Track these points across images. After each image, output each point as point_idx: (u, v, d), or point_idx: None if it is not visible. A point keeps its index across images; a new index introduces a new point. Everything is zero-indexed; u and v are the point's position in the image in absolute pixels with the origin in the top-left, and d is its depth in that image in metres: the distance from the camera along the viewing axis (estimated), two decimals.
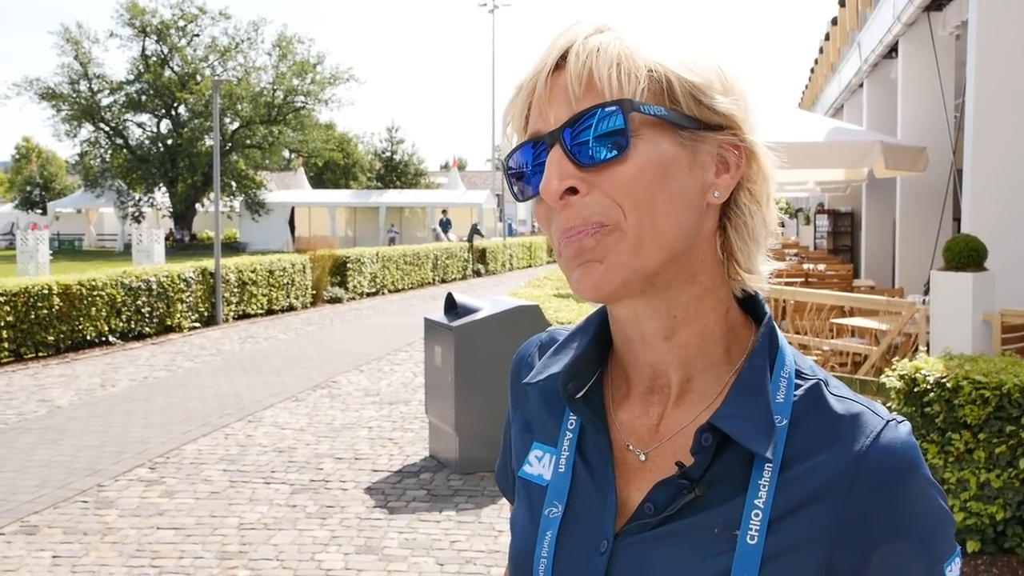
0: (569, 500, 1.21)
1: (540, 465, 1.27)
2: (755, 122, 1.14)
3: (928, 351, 8.31)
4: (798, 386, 1.15)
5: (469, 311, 8.66)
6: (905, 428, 1.11)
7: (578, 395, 1.22)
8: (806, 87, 41.13)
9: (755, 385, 1.13)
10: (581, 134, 1.06)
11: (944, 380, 6.15)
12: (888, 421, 1.11)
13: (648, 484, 1.15)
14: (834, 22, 27.74)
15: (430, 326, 9.03)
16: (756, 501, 1.08)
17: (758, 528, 1.07)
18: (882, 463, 1.08)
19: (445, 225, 47.40)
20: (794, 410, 1.13)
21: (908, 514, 1.08)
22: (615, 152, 1.05)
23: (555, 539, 1.19)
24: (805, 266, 18.17)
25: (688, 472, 1.11)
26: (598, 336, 1.25)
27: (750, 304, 1.21)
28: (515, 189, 1.16)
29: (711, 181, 1.11)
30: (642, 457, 1.18)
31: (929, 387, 6.20)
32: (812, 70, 37.54)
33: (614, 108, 1.05)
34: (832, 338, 10.69)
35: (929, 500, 1.10)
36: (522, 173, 1.14)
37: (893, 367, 6.62)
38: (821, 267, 18.08)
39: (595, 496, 1.19)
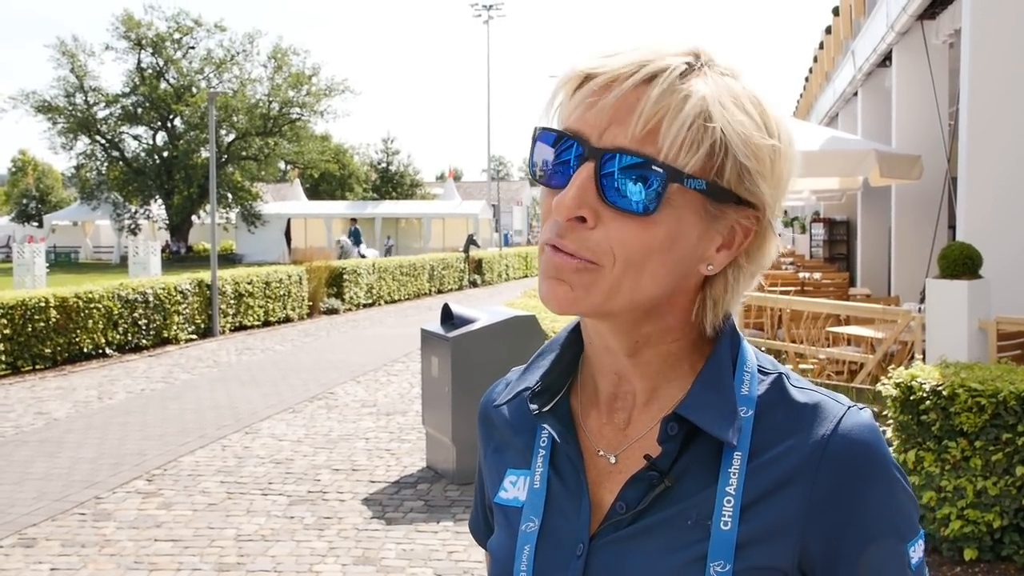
0: (545, 513, 1.23)
1: (515, 489, 1.29)
2: (779, 207, 1.16)
3: (924, 359, 8.33)
4: (761, 380, 1.19)
5: (465, 322, 8.67)
6: (866, 413, 1.15)
7: (546, 408, 1.23)
8: (800, 95, 41.21)
9: (718, 379, 1.16)
10: (618, 172, 1.06)
11: (940, 388, 6.16)
12: (849, 407, 1.15)
13: (620, 485, 1.17)
14: (828, 31, 27.79)
15: (427, 337, 9.04)
16: (727, 488, 1.11)
17: (731, 514, 1.10)
18: (846, 447, 1.11)
19: (355, 235, 40.28)
20: (758, 402, 1.16)
21: (873, 496, 1.11)
22: (639, 209, 1.06)
23: (533, 551, 1.21)
24: (801, 275, 18.17)
25: (656, 463, 1.14)
26: (568, 345, 1.27)
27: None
28: (532, 160, 1.15)
29: (710, 254, 1.13)
30: (612, 460, 1.20)
31: (925, 395, 6.22)
32: (806, 79, 37.61)
33: (661, 172, 1.05)
34: (828, 346, 10.70)
35: (893, 482, 1.13)
36: (540, 155, 1.14)
37: (889, 375, 6.63)
38: (817, 276, 18.09)
39: (570, 505, 1.21)
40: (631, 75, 1.07)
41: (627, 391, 1.21)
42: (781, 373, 1.20)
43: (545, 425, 1.24)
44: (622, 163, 1.05)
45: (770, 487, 1.11)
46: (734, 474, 1.11)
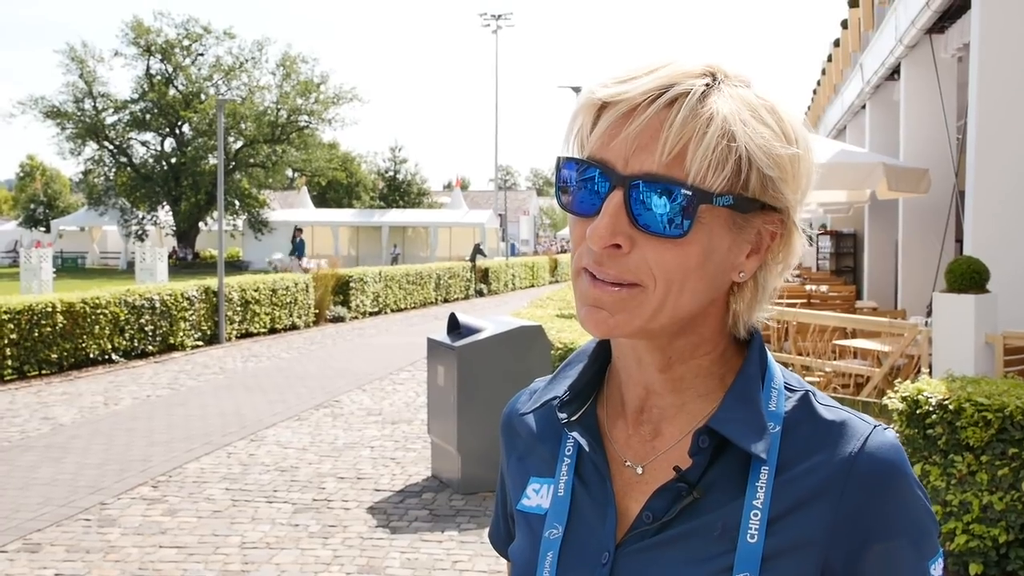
0: (569, 521, 1.24)
1: (538, 497, 1.30)
2: (801, 209, 1.18)
3: (931, 373, 8.32)
4: (788, 397, 1.21)
5: (472, 331, 8.67)
6: (891, 433, 1.17)
7: (574, 418, 1.25)
8: (808, 108, 41.17)
9: (748, 393, 1.18)
10: (649, 198, 1.07)
11: (946, 402, 6.16)
12: (875, 427, 1.17)
13: (646, 495, 1.19)
14: (836, 44, 27.79)
15: (433, 346, 9.05)
16: (755, 502, 1.13)
17: (758, 527, 1.12)
18: (872, 465, 1.13)
19: (299, 247, 35.35)
20: (786, 418, 1.18)
21: (897, 514, 1.13)
22: (672, 232, 1.08)
23: (556, 558, 1.22)
24: (807, 287, 18.16)
25: (686, 475, 1.15)
26: (596, 357, 1.30)
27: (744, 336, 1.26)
28: (559, 194, 1.17)
29: (741, 262, 1.15)
30: (639, 471, 1.22)
31: (931, 409, 6.21)
32: (815, 91, 37.60)
33: (691, 194, 1.07)
34: (834, 359, 10.68)
35: (916, 501, 1.15)
36: (567, 184, 1.15)
37: (895, 389, 6.63)
38: (824, 288, 18.08)
39: (595, 513, 1.22)
40: (652, 101, 1.08)
41: (655, 404, 1.23)
42: (808, 391, 1.22)
43: (573, 434, 1.26)
44: (652, 189, 1.07)
45: (797, 502, 1.13)
46: (761, 488, 1.13)
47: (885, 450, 1.14)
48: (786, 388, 1.22)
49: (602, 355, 1.30)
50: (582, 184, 1.13)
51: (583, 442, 1.24)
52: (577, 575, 1.20)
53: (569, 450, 1.28)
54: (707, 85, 1.09)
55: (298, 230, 37.83)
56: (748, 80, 1.13)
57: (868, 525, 1.12)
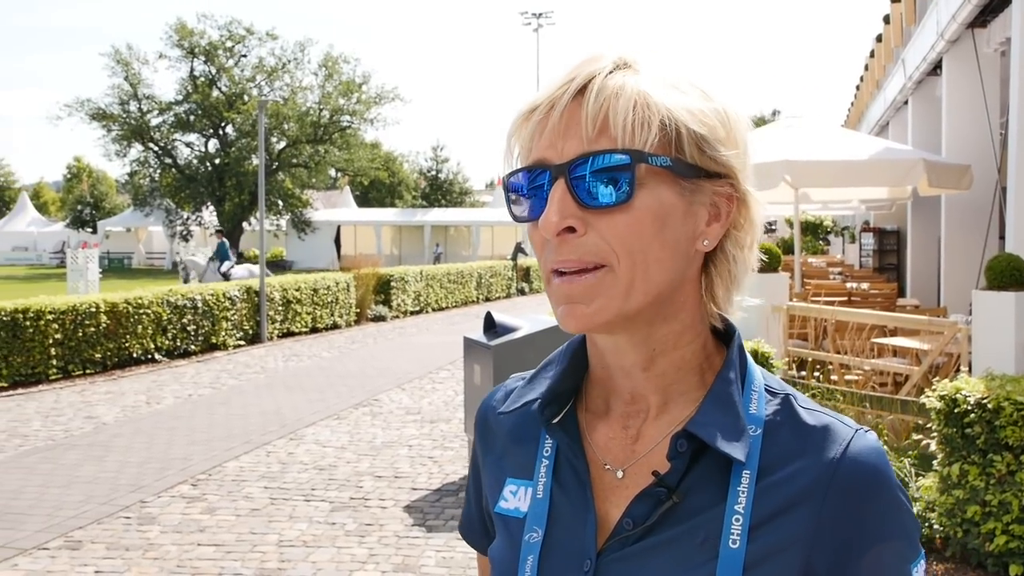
0: (549, 524, 1.22)
1: (516, 499, 1.28)
2: (749, 172, 1.18)
3: (970, 371, 8.24)
4: (769, 400, 1.20)
5: (508, 330, 8.67)
6: (873, 436, 1.16)
7: (554, 420, 1.24)
8: (852, 104, 40.89)
9: (727, 396, 1.17)
10: (588, 175, 1.09)
11: (985, 401, 6.10)
12: (857, 430, 1.16)
13: (627, 500, 1.18)
14: (879, 39, 27.57)
15: (469, 345, 9.06)
16: (736, 507, 1.12)
17: (739, 532, 1.10)
18: (854, 470, 1.12)
19: (221, 251, 27.84)
20: (767, 422, 1.17)
21: (879, 518, 1.12)
22: (618, 199, 1.09)
23: (537, 563, 1.21)
24: (848, 285, 18.05)
25: (665, 480, 1.14)
26: (574, 361, 1.29)
27: (721, 329, 1.26)
28: (511, 208, 1.19)
29: (701, 230, 1.15)
30: (619, 475, 1.21)
31: (970, 408, 6.15)
32: (858, 87, 37.31)
33: (624, 156, 1.08)
34: (873, 358, 10.60)
35: (899, 504, 1.14)
36: (519, 194, 1.17)
37: (933, 388, 6.57)
38: (864, 286, 17.96)
39: (575, 518, 1.21)
40: (565, 91, 1.11)
41: (640, 408, 1.22)
42: (789, 394, 1.21)
43: (553, 436, 1.25)
44: (587, 166, 1.09)
45: (779, 507, 1.12)
46: (743, 492, 1.12)
47: (867, 454, 1.13)
48: (767, 391, 1.21)
49: (581, 357, 1.29)
50: (533, 192, 1.14)
51: (563, 445, 1.24)
52: None
53: (548, 452, 1.27)
54: (616, 67, 1.12)
55: (219, 231, 31.85)
56: (668, 67, 1.15)
57: (851, 530, 1.11)
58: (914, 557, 1.15)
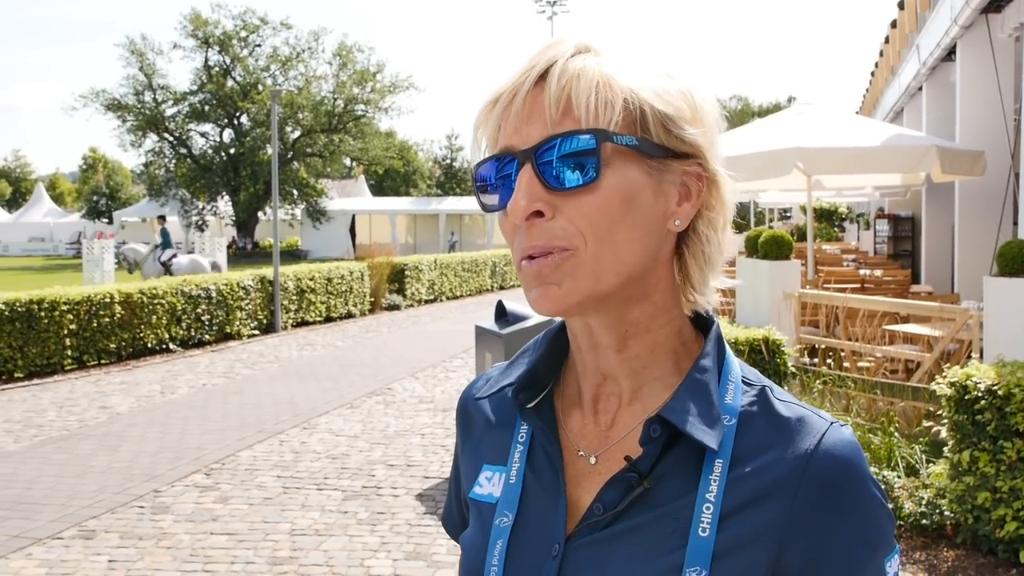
0: (520, 510, 1.23)
1: (490, 485, 1.29)
2: (719, 151, 1.18)
3: (982, 358, 8.22)
4: (745, 391, 1.20)
5: (519, 319, 8.68)
6: (848, 430, 1.16)
7: (529, 405, 1.25)
8: (867, 90, 40.69)
9: (703, 386, 1.17)
10: (554, 158, 1.09)
11: (995, 387, 6.08)
12: (832, 423, 1.15)
13: (599, 486, 1.18)
14: (893, 25, 27.43)
15: (481, 333, 9.07)
16: (707, 495, 1.12)
17: (709, 521, 1.10)
18: (827, 463, 1.12)
19: (165, 241, 27.16)
20: (742, 412, 1.17)
21: (853, 512, 1.12)
22: (585, 180, 1.09)
23: (506, 547, 1.21)
24: (862, 271, 17.99)
25: (636, 464, 1.14)
26: (552, 347, 1.29)
27: (699, 318, 1.25)
28: (481, 198, 1.19)
29: (672, 210, 1.15)
30: (592, 460, 1.21)
31: (980, 395, 6.14)
32: (872, 73, 37.12)
33: (589, 137, 1.08)
34: (885, 345, 10.58)
35: (872, 498, 1.13)
36: (487, 184, 1.17)
37: (944, 374, 6.55)
38: (878, 273, 17.90)
39: (546, 503, 1.21)
40: (527, 77, 1.12)
41: (612, 392, 1.22)
42: (765, 386, 1.21)
43: (527, 421, 1.26)
44: (553, 149, 1.09)
45: (750, 497, 1.11)
46: (714, 481, 1.12)
47: (841, 447, 1.13)
48: (744, 382, 1.21)
49: (559, 344, 1.29)
50: (501, 180, 1.15)
51: (536, 429, 1.24)
52: (527, 566, 1.19)
53: (522, 437, 1.27)
54: (578, 51, 1.13)
55: (160, 218, 29.34)
56: (631, 50, 1.15)
57: (823, 523, 1.10)
58: (888, 552, 1.15)
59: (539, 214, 1.10)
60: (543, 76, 1.11)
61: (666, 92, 1.12)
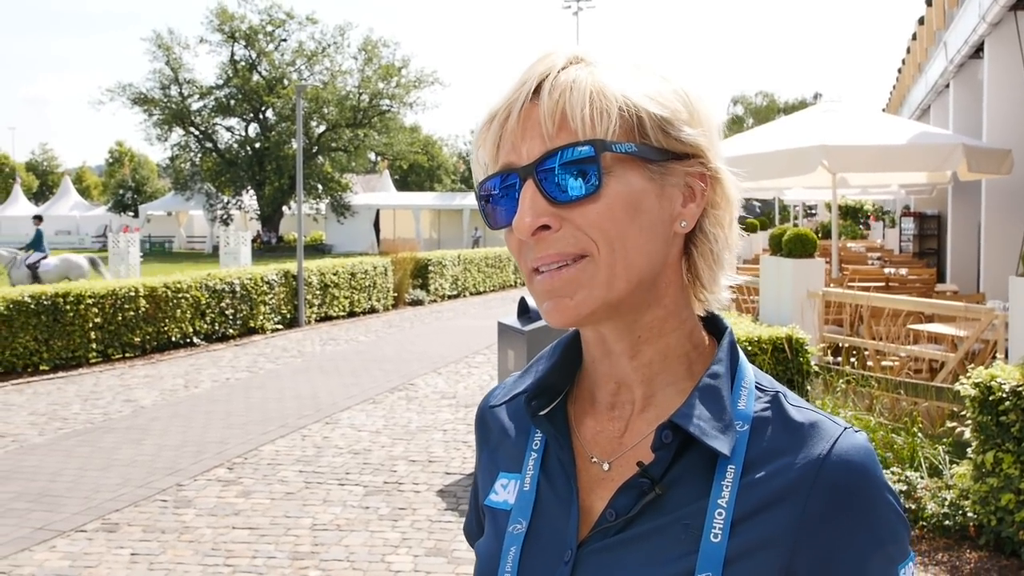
0: (533, 516, 1.23)
1: (505, 492, 1.29)
2: (720, 149, 1.18)
3: (1007, 358, 8.16)
4: (758, 397, 1.19)
5: (541, 316, 8.68)
6: (862, 436, 1.15)
7: (542, 412, 1.25)
8: (893, 88, 40.50)
9: (715, 391, 1.17)
10: (554, 171, 1.10)
11: (1020, 388, 6.04)
12: (845, 428, 1.15)
13: (611, 492, 1.18)
14: (921, 22, 27.29)
15: (503, 330, 9.08)
16: (719, 501, 1.11)
17: (722, 527, 1.10)
18: (841, 469, 1.11)
19: (37, 240, 24.25)
20: (755, 418, 1.17)
21: (865, 518, 1.10)
22: (588, 190, 1.09)
23: (519, 553, 1.22)
24: (886, 270, 17.90)
25: (649, 470, 1.14)
26: (566, 355, 1.29)
27: (712, 323, 1.26)
28: (486, 217, 1.20)
29: (678, 211, 1.15)
30: (606, 467, 1.21)
31: (1005, 395, 6.10)
32: (899, 70, 36.94)
33: (587, 148, 1.09)
34: (909, 344, 10.52)
35: (886, 504, 1.12)
36: (491, 202, 1.18)
37: (968, 375, 6.51)
38: (903, 271, 17.80)
39: (559, 510, 1.21)
40: (520, 93, 1.12)
41: (626, 399, 1.22)
42: (778, 392, 1.20)
43: (540, 428, 1.26)
44: (553, 163, 1.09)
45: (762, 503, 1.11)
46: (727, 487, 1.12)
47: (854, 453, 1.12)
48: (757, 388, 1.20)
49: (573, 352, 1.29)
50: (504, 198, 1.15)
51: (549, 436, 1.25)
52: (540, 572, 1.19)
53: (536, 444, 1.28)
54: (569, 63, 1.13)
55: (37, 218, 25.92)
56: (617, 54, 1.15)
57: (836, 529, 1.09)
58: (902, 559, 1.13)
59: (546, 227, 1.11)
60: (536, 91, 1.12)
61: (661, 95, 1.13)
